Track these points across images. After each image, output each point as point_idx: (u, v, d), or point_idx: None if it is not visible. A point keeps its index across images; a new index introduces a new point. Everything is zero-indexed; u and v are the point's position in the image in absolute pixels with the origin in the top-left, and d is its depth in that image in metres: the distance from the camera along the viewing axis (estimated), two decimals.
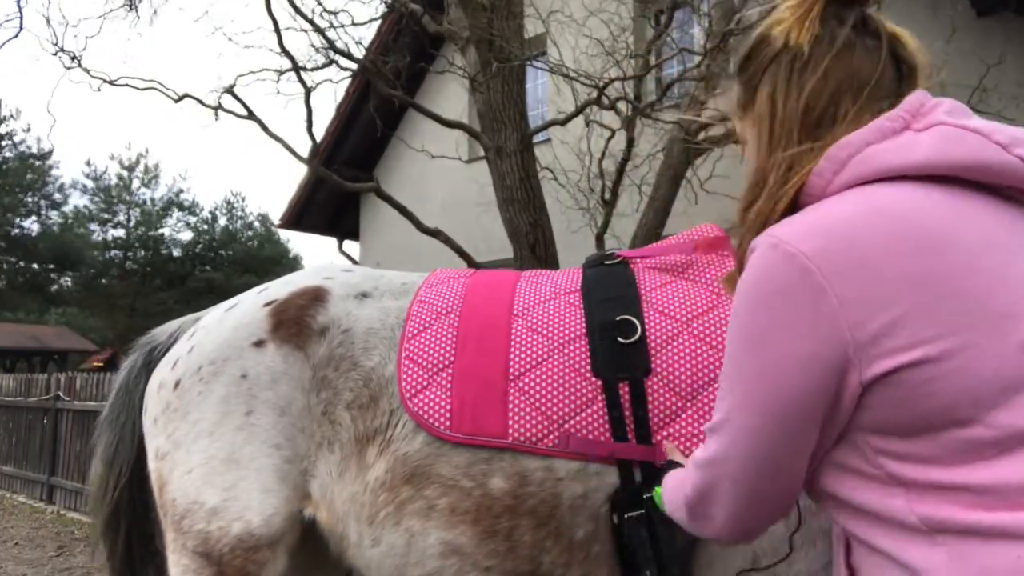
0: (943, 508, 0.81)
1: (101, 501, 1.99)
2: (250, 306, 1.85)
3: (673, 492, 1.13)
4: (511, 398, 1.57)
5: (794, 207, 0.95)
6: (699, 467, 1.01)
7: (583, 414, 1.54)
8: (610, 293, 1.68)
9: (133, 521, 1.98)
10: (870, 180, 0.89)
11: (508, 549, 1.56)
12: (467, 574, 1.59)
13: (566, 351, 1.61)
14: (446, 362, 1.64)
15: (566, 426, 1.54)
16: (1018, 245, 0.85)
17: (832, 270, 0.83)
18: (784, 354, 0.86)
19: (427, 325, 1.71)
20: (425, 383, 1.63)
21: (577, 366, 1.58)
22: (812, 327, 0.84)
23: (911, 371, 0.81)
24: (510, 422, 1.56)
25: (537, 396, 1.57)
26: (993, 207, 0.87)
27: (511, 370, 1.60)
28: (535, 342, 1.63)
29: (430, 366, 1.64)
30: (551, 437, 1.54)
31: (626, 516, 1.49)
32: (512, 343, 1.64)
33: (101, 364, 23.84)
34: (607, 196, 6.24)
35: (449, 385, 1.61)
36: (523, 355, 1.62)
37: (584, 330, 1.63)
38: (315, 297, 1.81)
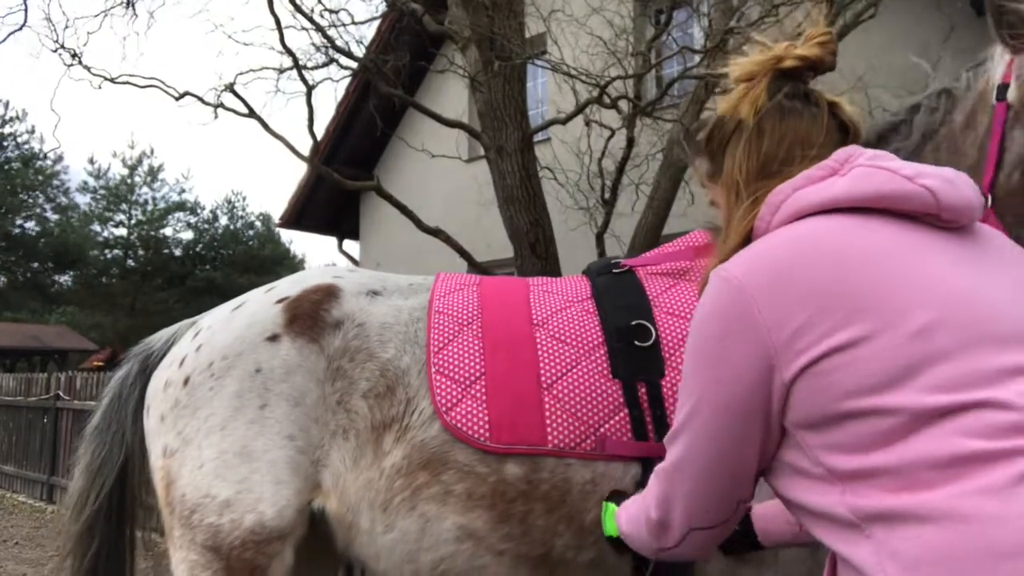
0: (867, 495, 0.87)
1: (78, 515, 1.94)
2: (261, 303, 1.88)
3: (635, 516, 1.24)
4: (546, 406, 1.64)
5: (748, 243, 1.11)
6: (660, 477, 1.13)
7: (616, 418, 1.63)
8: (622, 300, 1.77)
9: (105, 538, 1.94)
10: (799, 217, 1.04)
11: (522, 533, 1.63)
12: (481, 558, 1.65)
13: (592, 357, 1.69)
14: (477, 374, 1.70)
15: (601, 430, 1.62)
16: (920, 259, 0.96)
17: (757, 287, 0.98)
18: (727, 362, 1.00)
19: (451, 337, 1.76)
20: (459, 396, 1.67)
21: (604, 372, 1.67)
22: (745, 337, 0.98)
23: (820, 363, 0.91)
24: (548, 429, 1.63)
25: (571, 403, 1.64)
26: (903, 230, 0.99)
27: (543, 379, 1.67)
28: (561, 351, 1.70)
29: (462, 379, 1.69)
30: (588, 442, 1.62)
31: None
32: (539, 352, 1.70)
33: (101, 363, 23.77)
34: (607, 195, 6.24)
35: (484, 397, 1.67)
36: (552, 364, 1.69)
37: (604, 337, 1.71)
38: (328, 293, 1.85)
